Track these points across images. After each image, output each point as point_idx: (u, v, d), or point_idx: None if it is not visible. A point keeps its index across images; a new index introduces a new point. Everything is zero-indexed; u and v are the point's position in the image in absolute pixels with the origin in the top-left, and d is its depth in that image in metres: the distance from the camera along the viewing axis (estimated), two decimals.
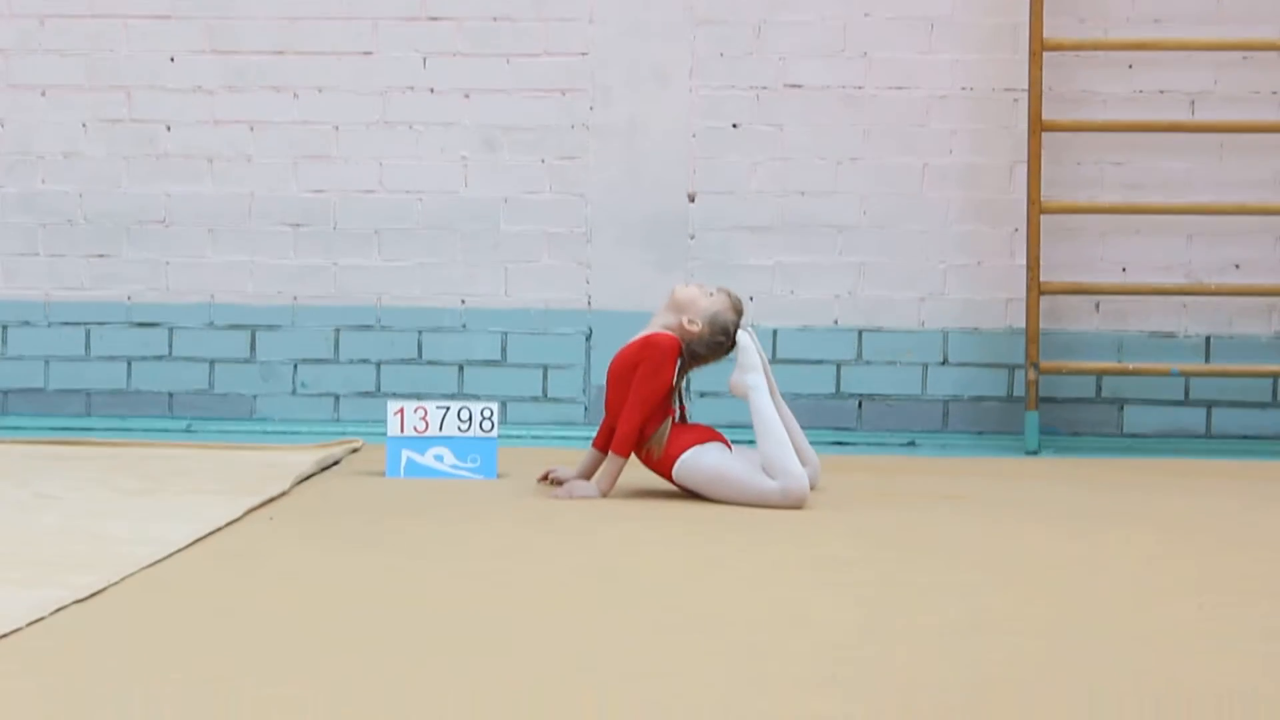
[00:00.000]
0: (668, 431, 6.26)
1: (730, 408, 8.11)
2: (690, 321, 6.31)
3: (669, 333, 6.30)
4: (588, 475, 6.42)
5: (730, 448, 6.33)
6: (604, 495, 6.27)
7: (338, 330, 8.34)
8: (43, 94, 8.35)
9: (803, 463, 6.23)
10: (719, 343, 6.34)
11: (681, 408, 6.39)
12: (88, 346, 8.38)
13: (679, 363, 6.29)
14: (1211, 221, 8.17)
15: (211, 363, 8.37)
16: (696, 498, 6.27)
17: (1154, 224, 8.20)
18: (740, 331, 6.37)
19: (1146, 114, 8.15)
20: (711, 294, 6.36)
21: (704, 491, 6.24)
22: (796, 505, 6.09)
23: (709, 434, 6.35)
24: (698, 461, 6.23)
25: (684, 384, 6.41)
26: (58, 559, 4.82)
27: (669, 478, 6.31)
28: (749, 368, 6.32)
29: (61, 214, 8.36)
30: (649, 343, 6.26)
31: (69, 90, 8.34)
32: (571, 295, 8.30)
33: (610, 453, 6.26)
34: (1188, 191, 8.17)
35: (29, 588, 4.38)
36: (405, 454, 6.82)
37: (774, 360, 8.17)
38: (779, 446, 6.14)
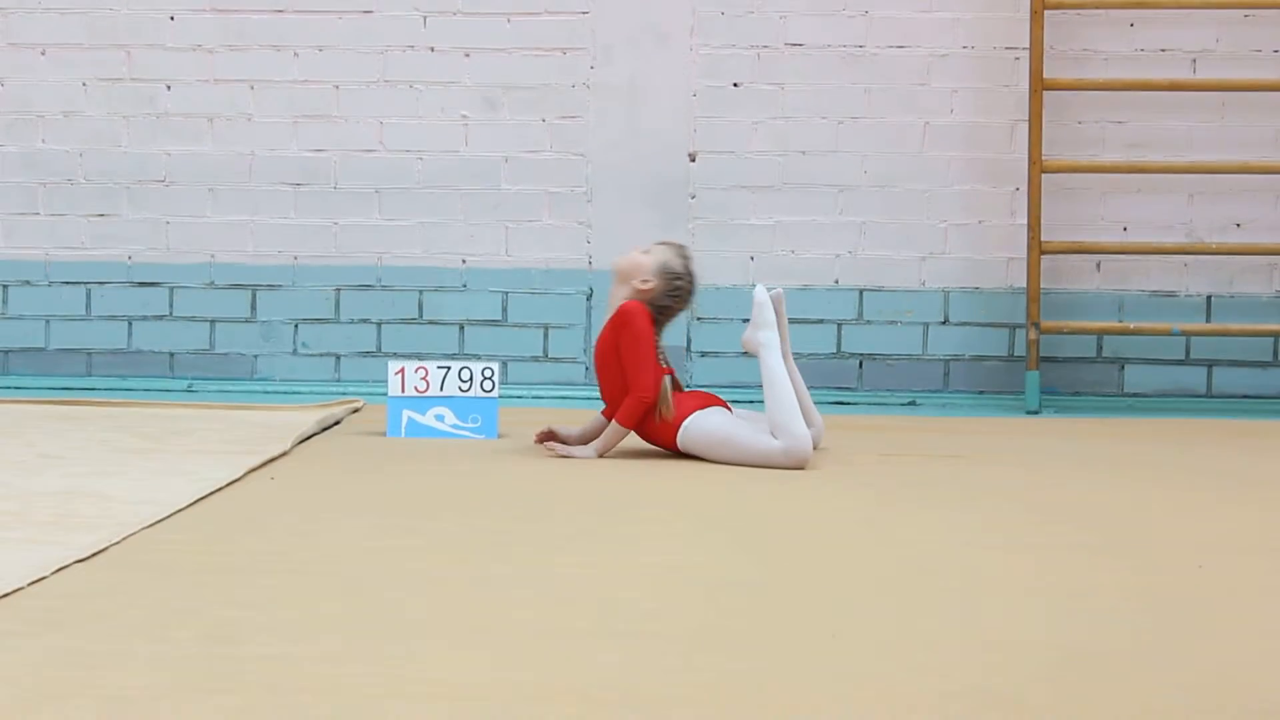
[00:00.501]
0: (670, 390, 6.27)
1: (732, 368, 8.11)
2: (643, 281, 6.32)
3: (630, 301, 6.31)
4: (588, 440, 6.42)
5: (731, 410, 6.35)
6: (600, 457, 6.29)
7: (338, 290, 8.34)
8: (42, 53, 8.34)
9: (807, 423, 6.24)
10: (678, 287, 6.35)
11: (669, 370, 6.38)
12: (88, 306, 8.38)
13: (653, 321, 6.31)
14: (1213, 180, 8.16)
15: (212, 322, 8.37)
16: (698, 460, 6.26)
17: (1155, 183, 8.19)
18: (757, 287, 6.39)
19: (1148, 72, 8.14)
20: (648, 250, 6.39)
21: (708, 454, 6.24)
22: (799, 465, 6.10)
23: (709, 399, 6.36)
24: (701, 425, 6.23)
25: (679, 347, 6.40)
26: (59, 519, 4.82)
27: (672, 445, 6.30)
28: (762, 324, 6.33)
29: (62, 173, 8.36)
30: (617, 317, 6.26)
31: (69, 49, 8.32)
32: (572, 255, 8.29)
33: (614, 421, 6.26)
34: (1189, 150, 8.17)
35: (30, 547, 4.39)
36: (406, 414, 6.82)
37: None
38: (785, 406, 6.15)
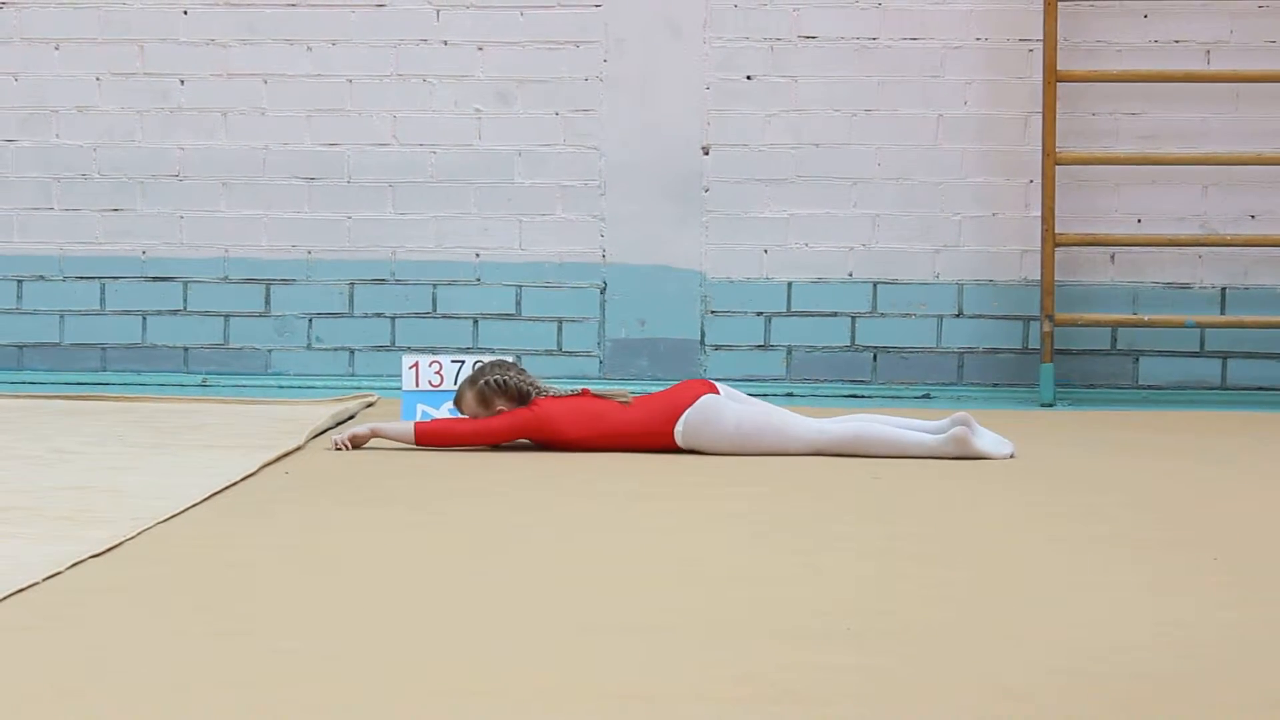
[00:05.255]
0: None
1: (745, 361, 8.11)
2: (495, 414, 6.30)
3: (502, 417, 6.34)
4: None
5: (719, 392, 6.29)
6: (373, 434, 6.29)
7: (352, 284, 8.34)
8: (56, 48, 8.34)
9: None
10: (498, 382, 6.29)
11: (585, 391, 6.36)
12: (103, 300, 8.39)
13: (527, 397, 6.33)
14: (1227, 172, 8.14)
15: (226, 317, 8.37)
16: (703, 456, 6.18)
17: (1169, 174, 8.17)
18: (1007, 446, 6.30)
19: (1161, 64, 8.12)
20: (464, 402, 6.36)
21: (723, 447, 6.17)
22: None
23: (695, 389, 6.29)
24: (716, 424, 6.17)
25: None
26: (74, 514, 4.83)
27: (668, 445, 6.20)
28: (981, 437, 6.22)
29: (75, 168, 8.37)
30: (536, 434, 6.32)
31: (82, 44, 8.33)
32: (586, 248, 8.29)
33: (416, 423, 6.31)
34: (1203, 141, 8.15)
35: (46, 542, 4.40)
36: (420, 408, 6.82)
37: (789, 312, 8.18)
38: (857, 444, 6.21)
